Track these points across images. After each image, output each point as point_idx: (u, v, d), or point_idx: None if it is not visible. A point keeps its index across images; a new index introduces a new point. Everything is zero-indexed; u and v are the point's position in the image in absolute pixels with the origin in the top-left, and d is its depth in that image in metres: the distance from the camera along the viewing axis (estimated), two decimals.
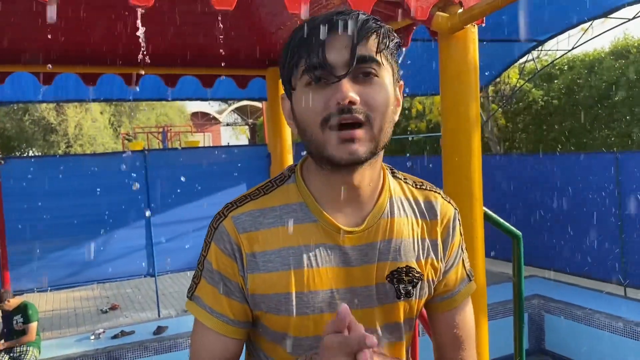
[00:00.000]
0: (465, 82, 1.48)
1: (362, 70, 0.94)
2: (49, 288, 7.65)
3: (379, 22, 0.98)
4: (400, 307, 1.06)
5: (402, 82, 1.06)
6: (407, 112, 13.37)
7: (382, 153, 1.03)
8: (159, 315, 7.72)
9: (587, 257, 7.67)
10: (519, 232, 1.70)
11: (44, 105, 18.12)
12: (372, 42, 0.96)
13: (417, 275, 1.05)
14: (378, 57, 0.96)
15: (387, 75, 0.98)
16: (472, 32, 1.47)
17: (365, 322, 1.00)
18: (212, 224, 1.06)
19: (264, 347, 1.10)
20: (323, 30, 0.94)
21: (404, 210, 1.09)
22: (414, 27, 1.69)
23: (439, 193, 1.14)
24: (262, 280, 1.01)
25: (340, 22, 0.94)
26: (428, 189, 1.14)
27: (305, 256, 1.01)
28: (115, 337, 6.60)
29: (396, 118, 1.03)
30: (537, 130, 12.36)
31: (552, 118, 11.95)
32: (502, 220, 1.69)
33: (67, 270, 7.60)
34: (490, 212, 1.70)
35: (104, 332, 6.81)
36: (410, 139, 13.46)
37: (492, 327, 2.55)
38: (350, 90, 0.92)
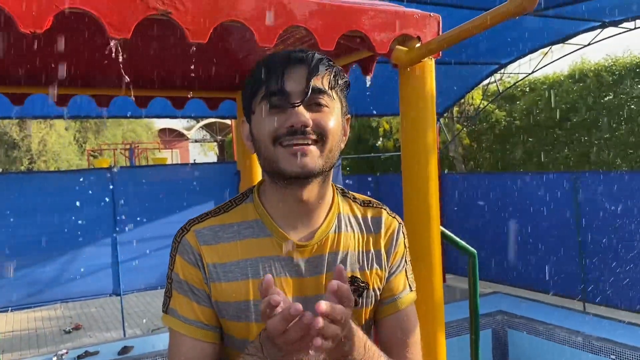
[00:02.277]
0: (423, 110, 1.60)
1: (315, 100, 1.07)
2: (10, 308, 7.44)
3: (331, 62, 1.11)
4: None
5: (349, 116, 1.19)
6: (374, 130, 13.58)
7: (330, 174, 1.13)
8: (124, 335, 7.59)
9: (549, 273, 7.89)
10: (474, 250, 1.81)
11: (6, 120, 17.73)
12: (326, 78, 1.09)
13: (362, 284, 1.15)
14: (330, 91, 1.09)
15: (336, 107, 1.11)
16: (430, 64, 1.60)
17: None
18: (176, 238, 1.15)
19: (230, 356, 1.16)
20: (283, 64, 1.06)
21: (351, 225, 1.19)
22: (377, 58, 1.81)
23: (385, 209, 1.25)
24: (223, 289, 1.10)
25: (299, 58, 1.07)
26: (374, 206, 1.25)
27: (261, 267, 1.10)
28: (79, 357, 6.46)
29: (342, 146, 1.15)
30: (500, 150, 12.70)
31: (514, 138, 12.30)
32: (457, 239, 1.79)
33: (28, 290, 7.40)
34: (447, 231, 1.80)
35: (67, 352, 6.65)
36: (381, 157, 13.66)
37: (463, 342, 2.64)
38: (304, 115, 1.04)
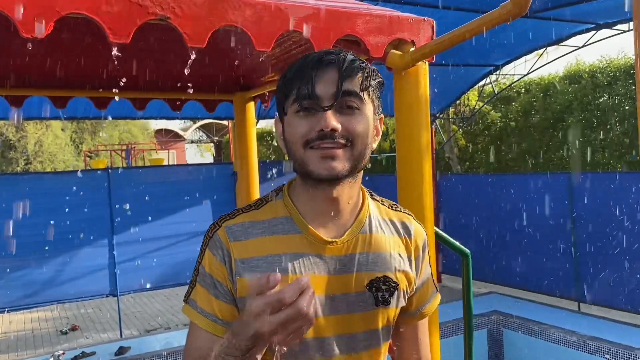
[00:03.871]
0: (417, 113, 1.63)
1: (346, 103, 1.07)
2: (6, 309, 7.44)
3: (364, 63, 1.11)
4: (378, 314, 1.16)
5: (382, 116, 1.20)
6: None
7: (360, 175, 1.15)
8: (121, 336, 7.60)
9: (543, 273, 7.93)
10: (467, 251, 1.83)
11: (2, 121, 17.68)
12: (357, 79, 1.09)
13: (393, 284, 1.17)
14: (361, 93, 1.09)
15: (368, 109, 1.12)
16: (424, 68, 1.63)
17: (345, 328, 1.12)
18: (208, 233, 1.17)
19: None
20: (314, 67, 1.07)
21: (381, 227, 1.21)
22: (372, 61, 1.84)
23: (412, 216, 1.28)
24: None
25: (330, 60, 1.07)
26: (402, 211, 1.27)
27: (290, 263, 1.11)
28: (75, 358, 6.46)
29: (374, 146, 1.16)
30: (496, 151, 12.75)
31: (509, 139, 12.35)
32: (452, 240, 1.82)
33: (25, 290, 7.40)
34: (441, 232, 1.83)
35: (63, 353, 6.65)
36: (377, 157, 13.71)
37: (460, 342, 2.68)
38: (333, 120, 1.05)
